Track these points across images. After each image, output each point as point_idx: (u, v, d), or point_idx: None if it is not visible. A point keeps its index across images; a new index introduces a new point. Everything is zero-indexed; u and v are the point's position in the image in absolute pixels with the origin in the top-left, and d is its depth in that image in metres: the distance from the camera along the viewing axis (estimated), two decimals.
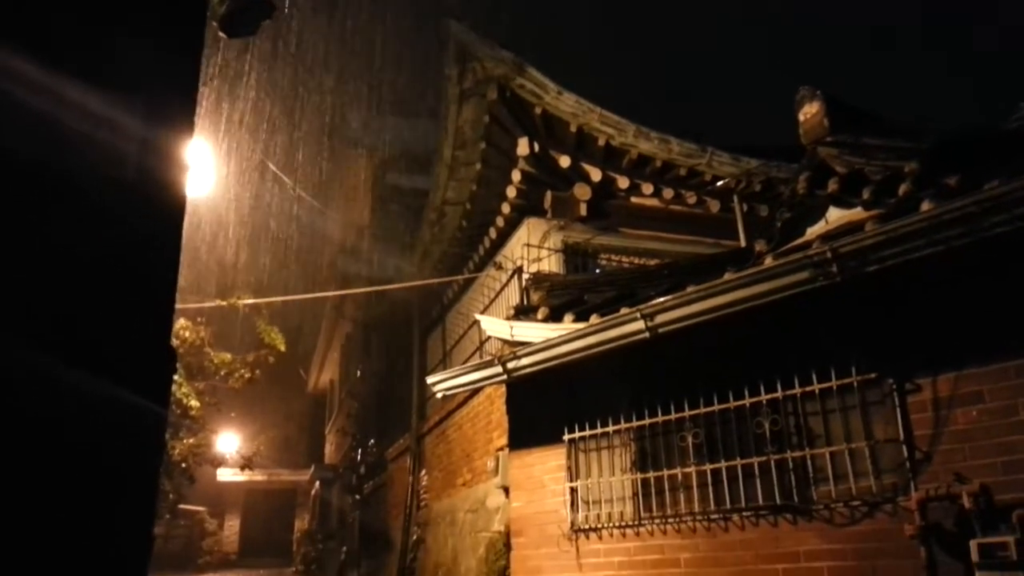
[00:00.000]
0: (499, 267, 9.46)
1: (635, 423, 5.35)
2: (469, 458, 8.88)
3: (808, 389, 4.50)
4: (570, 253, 8.66)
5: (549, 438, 5.90)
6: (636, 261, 8.81)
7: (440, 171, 9.30)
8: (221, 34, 2.95)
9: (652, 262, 8.38)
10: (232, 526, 26.35)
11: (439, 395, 6.98)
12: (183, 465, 11.41)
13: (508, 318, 6.53)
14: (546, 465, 5.93)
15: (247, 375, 11.98)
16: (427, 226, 10.44)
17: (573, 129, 8.31)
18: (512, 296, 8.51)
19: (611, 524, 5.40)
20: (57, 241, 1.32)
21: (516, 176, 8.63)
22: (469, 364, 6.57)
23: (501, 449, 7.19)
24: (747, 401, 4.76)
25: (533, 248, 8.51)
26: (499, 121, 8.40)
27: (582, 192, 8.63)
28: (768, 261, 4.64)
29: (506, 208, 9.11)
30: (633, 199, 8.93)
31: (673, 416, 5.14)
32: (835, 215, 5.08)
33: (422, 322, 13.04)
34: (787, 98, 5.65)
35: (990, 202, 3.60)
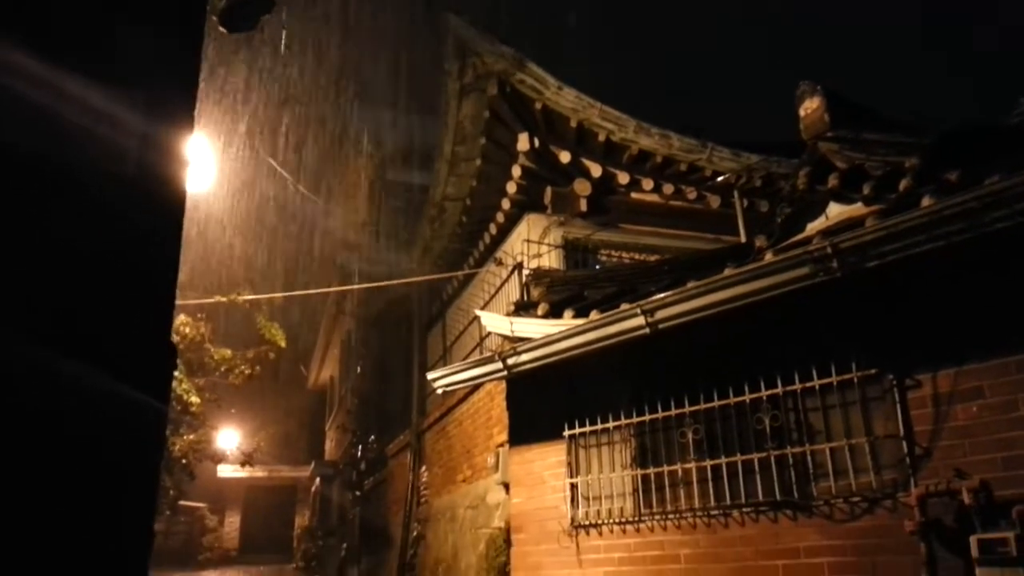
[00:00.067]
0: (499, 263, 9.46)
1: (635, 419, 5.36)
2: (469, 454, 8.88)
3: (808, 385, 4.50)
4: (570, 249, 8.66)
5: (549, 434, 5.90)
6: (636, 257, 8.81)
7: (440, 167, 9.30)
8: (221, 29, 2.94)
9: (652, 258, 8.38)
10: (232, 522, 26.35)
11: (439, 391, 6.99)
12: (183, 461, 11.43)
13: (508, 314, 6.53)
14: (546, 461, 5.94)
15: (247, 371, 11.99)
16: (427, 222, 10.44)
17: (573, 124, 8.30)
18: (512, 292, 8.51)
19: (611, 520, 5.41)
20: (57, 236, 1.32)
21: (516, 172, 8.62)
22: (469, 360, 6.57)
23: (501, 445, 7.19)
24: (747, 397, 4.76)
25: (533, 244, 8.51)
26: (499, 116, 8.39)
27: (582, 188, 8.62)
28: (768, 257, 4.64)
29: (506, 204, 9.10)
30: (633, 195, 8.93)
31: (673, 412, 5.14)
32: (835, 210, 5.08)
33: (422, 318, 13.04)
34: (787, 97, 5.65)
35: (990, 197, 3.60)
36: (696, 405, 5.02)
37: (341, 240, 15.39)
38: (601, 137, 8.40)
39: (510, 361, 5.76)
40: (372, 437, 14.94)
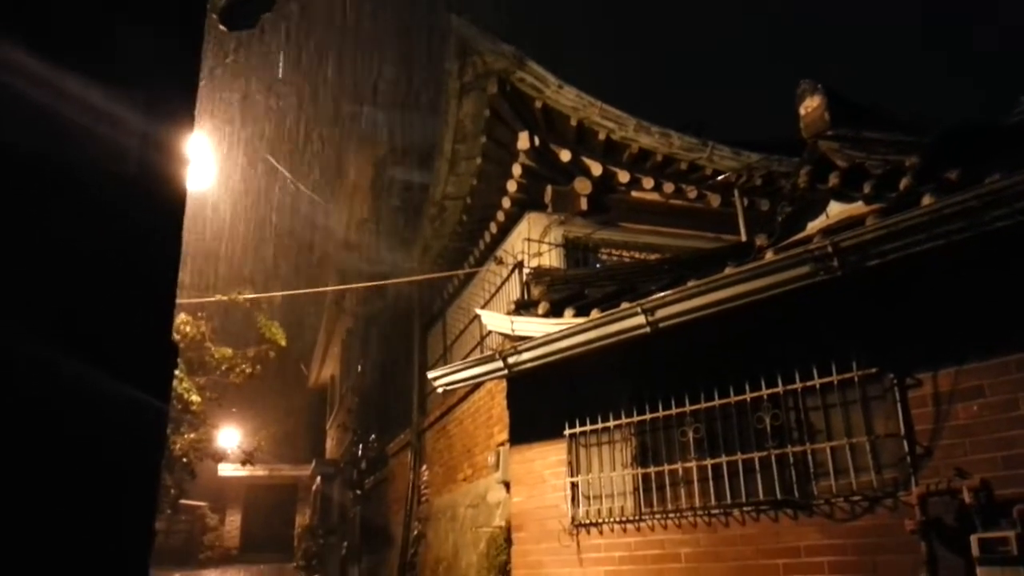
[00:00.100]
0: (500, 262, 9.45)
1: (636, 418, 5.36)
2: (470, 453, 8.89)
3: (809, 384, 4.50)
4: (571, 248, 8.66)
5: (550, 433, 5.90)
6: (637, 256, 8.80)
7: (440, 165, 9.29)
8: (221, 27, 2.94)
9: (653, 256, 8.38)
10: (233, 521, 26.35)
11: (440, 390, 6.99)
12: (184, 460, 11.44)
13: (509, 313, 6.53)
14: (547, 460, 5.94)
15: (248, 370, 12.00)
16: (427, 221, 10.43)
17: (574, 123, 8.29)
18: (513, 291, 8.51)
19: (612, 519, 5.41)
20: (58, 235, 1.32)
21: (516, 170, 8.62)
22: (470, 359, 6.57)
23: (502, 444, 7.19)
24: (748, 396, 4.76)
25: (534, 243, 8.50)
26: (499, 115, 8.39)
27: (583, 186, 8.62)
28: (769, 255, 4.64)
29: (506, 202, 9.10)
30: (634, 193, 8.92)
31: (674, 411, 5.14)
32: (836, 209, 5.07)
33: (423, 317, 13.04)
34: (787, 96, 5.65)
35: (991, 196, 3.60)
36: (697, 404, 5.02)
37: (341, 239, 15.39)
38: (601, 136, 8.40)
39: (511, 360, 5.76)
40: (373, 436, 14.94)
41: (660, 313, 4.88)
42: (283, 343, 12.21)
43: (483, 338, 9.44)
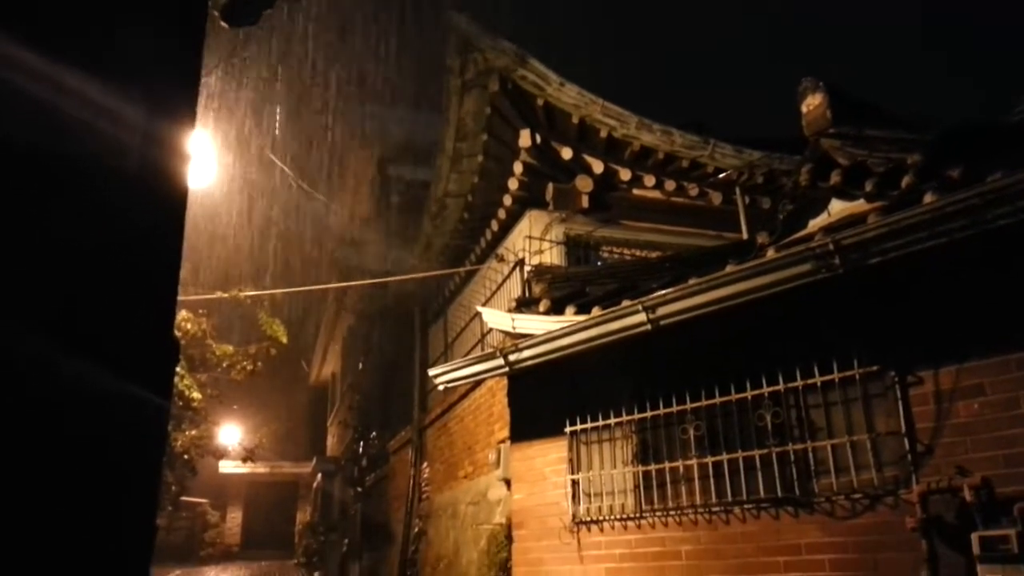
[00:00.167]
0: (501, 259, 9.45)
1: (636, 415, 5.36)
2: (471, 450, 8.89)
3: (810, 381, 4.50)
4: (572, 245, 8.65)
5: (550, 430, 5.90)
6: (638, 253, 8.79)
7: (442, 163, 9.28)
8: (222, 23, 2.93)
9: (654, 254, 8.38)
10: (234, 518, 26.40)
11: (441, 387, 6.99)
12: (185, 457, 11.45)
13: (510, 310, 6.53)
14: (547, 457, 5.94)
15: (249, 367, 11.99)
16: (429, 218, 10.43)
17: (575, 121, 8.28)
18: (514, 288, 8.51)
19: (612, 516, 5.41)
20: (58, 233, 1.31)
21: (518, 168, 8.61)
22: (471, 356, 6.57)
23: (503, 441, 7.19)
24: (749, 393, 4.76)
25: (535, 240, 8.50)
26: (501, 113, 8.38)
27: (584, 184, 8.61)
28: (770, 253, 4.63)
29: (508, 200, 9.09)
30: (635, 191, 8.91)
31: (675, 408, 5.14)
32: (837, 207, 5.07)
33: (424, 314, 13.04)
34: (787, 97, 5.64)
35: (993, 194, 3.59)
36: (697, 401, 5.02)
37: (342, 236, 15.37)
38: (603, 133, 8.38)
39: (512, 357, 5.76)
40: (374, 433, 14.96)
41: (661, 311, 4.88)
42: (284, 340, 12.20)
43: (484, 335, 9.44)
